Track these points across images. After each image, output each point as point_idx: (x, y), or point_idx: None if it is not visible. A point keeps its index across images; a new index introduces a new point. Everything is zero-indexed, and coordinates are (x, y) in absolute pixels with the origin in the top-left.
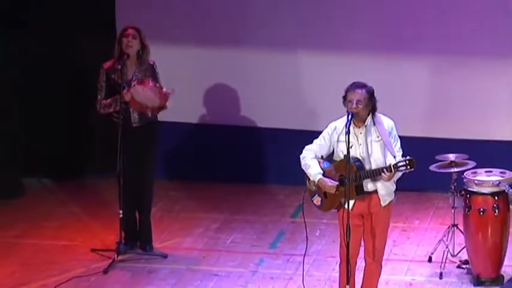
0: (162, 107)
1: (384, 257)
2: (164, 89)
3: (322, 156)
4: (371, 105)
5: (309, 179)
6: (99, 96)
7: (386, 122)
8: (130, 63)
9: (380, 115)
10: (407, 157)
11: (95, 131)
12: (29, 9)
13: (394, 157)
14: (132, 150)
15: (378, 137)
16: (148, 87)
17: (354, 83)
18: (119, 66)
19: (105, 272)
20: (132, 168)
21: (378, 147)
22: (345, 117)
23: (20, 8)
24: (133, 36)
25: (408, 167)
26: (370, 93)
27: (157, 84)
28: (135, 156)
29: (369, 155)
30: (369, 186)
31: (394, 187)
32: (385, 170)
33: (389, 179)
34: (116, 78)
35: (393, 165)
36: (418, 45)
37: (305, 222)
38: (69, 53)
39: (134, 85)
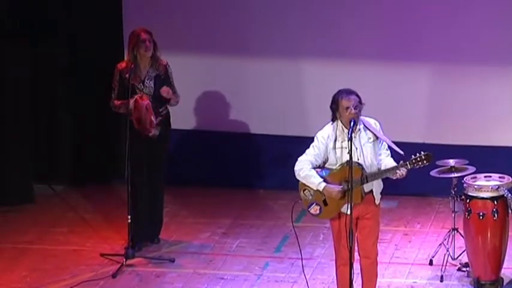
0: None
1: (386, 261)
2: (148, 120)
3: (319, 166)
4: (361, 109)
5: (304, 190)
6: (113, 95)
7: (373, 122)
8: (144, 62)
9: (362, 117)
10: (423, 152)
11: (102, 137)
12: (57, 21)
13: (388, 155)
14: (145, 150)
15: (370, 138)
16: (141, 105)
17: (343, 91)
18: (132, 66)
19: (114, 276)
20: (144, 168)
21: (369, 148)
22: (329, 125)
23: (47, 19)
24: (149, 40)
25: (425, 161)
26: (359, 97)
27: (147, 113)
28: (148, 157)
29: (364, 158)
30: (366, 187)
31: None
32: (400, 168)
33: (402, 176)
34: (128, 78)
35: (409, 162)
36: (418, 52)
37: (294, 227)
38: (84, 58)
39: (136, 98)
